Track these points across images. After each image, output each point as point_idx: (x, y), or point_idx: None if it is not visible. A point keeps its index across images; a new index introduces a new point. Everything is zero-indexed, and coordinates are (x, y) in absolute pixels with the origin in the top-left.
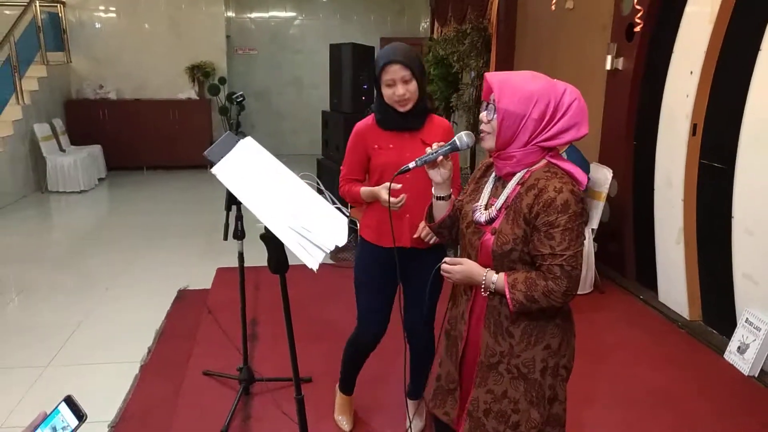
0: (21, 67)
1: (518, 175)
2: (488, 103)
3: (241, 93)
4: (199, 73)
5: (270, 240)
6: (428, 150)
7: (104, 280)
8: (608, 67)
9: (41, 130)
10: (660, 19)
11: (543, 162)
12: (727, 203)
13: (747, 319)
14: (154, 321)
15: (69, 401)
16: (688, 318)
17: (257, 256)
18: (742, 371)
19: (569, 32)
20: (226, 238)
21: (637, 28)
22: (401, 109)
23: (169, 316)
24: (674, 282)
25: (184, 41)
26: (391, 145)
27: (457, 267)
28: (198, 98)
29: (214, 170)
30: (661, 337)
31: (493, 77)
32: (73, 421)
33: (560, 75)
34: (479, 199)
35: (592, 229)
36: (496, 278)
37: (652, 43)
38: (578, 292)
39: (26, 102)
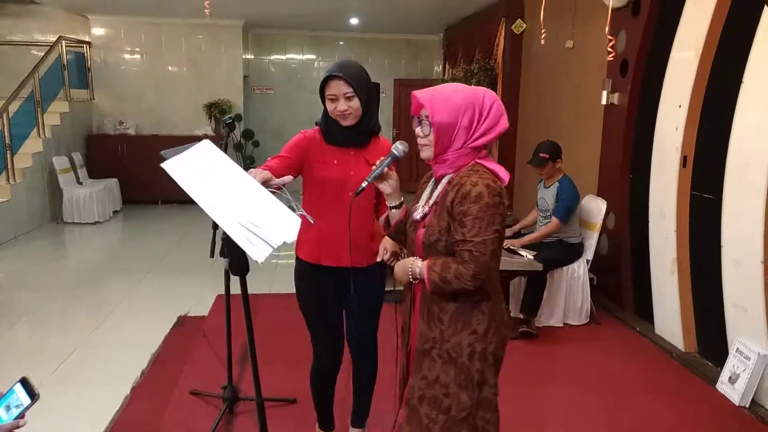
0: (44, 103)
1: (448, 176)
2: (420, 119)
3: (230, 116)
4: (216, 110)
5: (233, 243)
6: (373, 167)
7: (108, 307)
8: (604, 102)
9: (60, 162)
10: (651, 54)
11: (471, 163)
12: (717, 233)
13: (737, 348)
14: (152, 345)
15: (24, 382)
16: (683, 349)
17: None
18: (733, 401)
19: (570, 70)
20: (212, 255)
21: (610, 57)
22: (344, 124)
23: (166, 340)
24: (669, 313)
25: (203, 80)
26: (335, 161)
27: (397, 266)
28: (214, 135)
29: (165, 165)
30: (655, 369)
31: (422, 95)
32: (26, 400)
33: (562, 111)
34: (420, 201)
35: (587, 260)
36: (421, 264)
37: (645, 77)
38: (574, 323)
39: (47, 136)
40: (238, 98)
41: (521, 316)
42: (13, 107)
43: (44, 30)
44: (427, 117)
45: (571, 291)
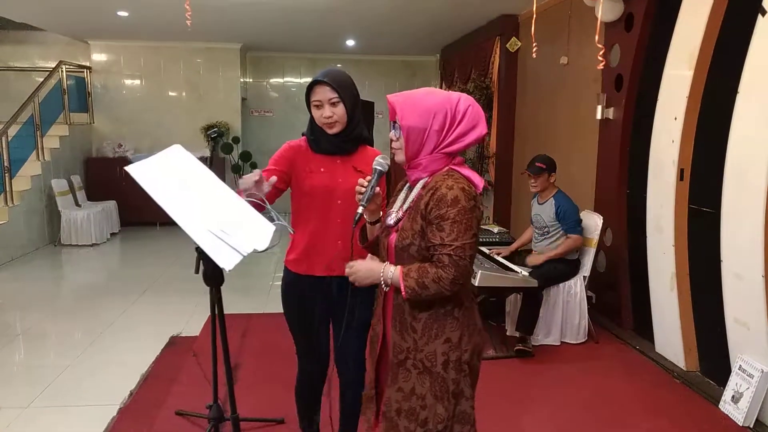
0: (44, 126)
1: (422, 181)
2: (395, 123)
3: (215, 129)
4: (214, 132)
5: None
6: (361, 189)
7: (100, 327)
8: (599, 116)
9: (59, 185)
10: (645, 67)
11: (446, 168)
12: (717, 247)
13: (740, 366)
14: (143, 365)
15: None
16: (684, 368)
17: (250, 305)
18: (737, 421)
19: (565, 86)
20: (197, 271)
21: (601, 65)
22: (330, 131)
23: (157, 360)
24: (670, 331)
25: (201, 103)
26: (322, 169)
27: (358, 263)
28: (212, 157)
29: (129, 168)
30: (656, 388)
31: (394, 98)
32: None
33: (558, 127)
34: (394, 206)
35: (584, 277)
36: (394, 269)
37: (640, 91)
38: (571, 341)
39: (46, 159)
40: (236, 120)
41: (517, 334)
42: (13, 131)
43: (46, 56)
44: (398, 120)
45: (568, 309)
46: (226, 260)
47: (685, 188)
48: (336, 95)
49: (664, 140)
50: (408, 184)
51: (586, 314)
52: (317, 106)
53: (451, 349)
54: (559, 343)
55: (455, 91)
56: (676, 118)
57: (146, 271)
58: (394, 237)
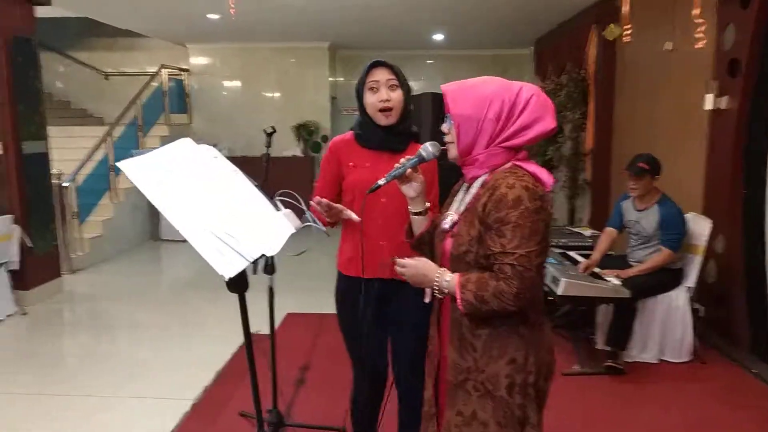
0: (146, 127)
1: (481, 179)
2: (447, 115)
3: (271, 126)
4: (304, 131)
5: None
6: (396, 165)
7: (187, 320)
8: (709, 106)
9: None
10: (765, 48)
11: (508, 165)
12: None
13: None
14: (220, 361)
15: None
16: None
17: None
18: None
19: (670, 75)
20: (255, 272)
21: (699, 44)
22: (383, 122)
23: (233, 357)
24: None
25: (291, 103)
26: (367, 164)
27: (412, 262)
28: (302, 155)
29: (121, 164)
30: None
31: (446, 87)
32: None
33: (659, 120)
34: (450, 209)
35: (689, 288)
36: (450, 278)
37: (760, 77)
38: (672, 360)
39: None
40: (325, 119)
41: (607, 348)
42: (118, 132)
43: (152, 61)
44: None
45: (669, 322)
46: (226, 266)
47: None
48: (395, 78)
49: None
50: (465, 184)
51: (691, 330)
52: (373, 89)
53: (516, 370)
54: (657, 361)
55: (548, 85)
56: None
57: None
58: (449, 243)
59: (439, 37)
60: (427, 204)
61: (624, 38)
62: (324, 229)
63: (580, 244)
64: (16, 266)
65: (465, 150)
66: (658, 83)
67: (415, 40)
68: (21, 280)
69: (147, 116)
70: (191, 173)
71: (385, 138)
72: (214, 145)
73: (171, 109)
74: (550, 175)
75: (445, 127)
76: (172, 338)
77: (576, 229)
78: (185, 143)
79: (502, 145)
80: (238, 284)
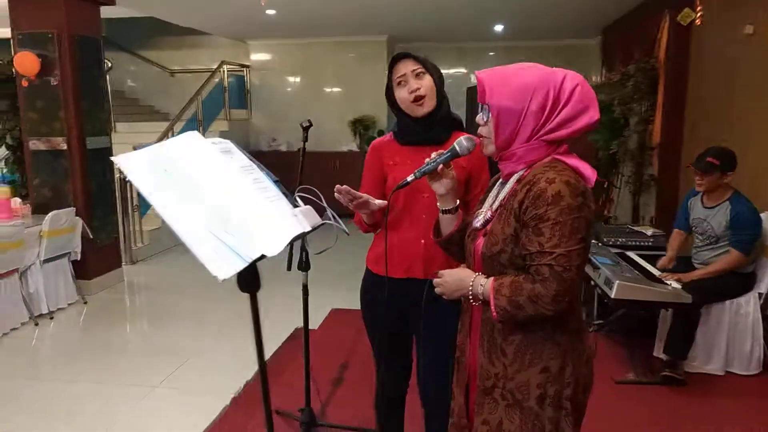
0: (205, 122)
1: (518, 174)
2: (483, 105)
3: (308, 119)
4: (361, 126)
5: None
6: (427, 160)
7: (238, 314)
8: None
9: None
10: None
11: (548, 159)
12: None
13: None
14: (265, 357)
15: None
16: None
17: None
18: None
19: (749, 62)
20: (289, 268)
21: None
22: (418, 112)
23: (276, 353)
24: None
25: (348, 97)
26: (409, 161)
27: (448, 273)
28: (358, 150)
29: (115, 159)
30: None
31: (482, 74)
32: None
33: (735, 112)
34: (483, 206)
35: (760, 294)
36: (485, 282)
37: None
38: (740, 372)
39: None
40: (382, 114)
41: (665, 357)
42: (178, 127)
43: (215, 57)
44: (487, 100)
45: (737, 331)
46: (221, 267)
47: None
48: (420, 66)
49: None
50: (501, 180)
51: (761, 340)
52: (401, 84)
53: (549, 380)
54: (722, 373)
55: (614, 76)
56: None
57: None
58: (481, 242)
59: (499, 27)
60: (458, 202)
61: (696, 21)
62: (345, 227)
63: (640, 243)
64: (77, 257)
65: (504, 144)
66: (737, 71)
67: (475, 32)
68: (83, 270)
69: (207, 112)
70: (193, 167)
71: (423, 130)
72: (273, 140)
73: (231, 104)
74: (593, 169)
75: (480, 119)
76: (224, 331)
77: (637, 228)
78: (191, 136)
79: (544, 138)
80: (250, 283)
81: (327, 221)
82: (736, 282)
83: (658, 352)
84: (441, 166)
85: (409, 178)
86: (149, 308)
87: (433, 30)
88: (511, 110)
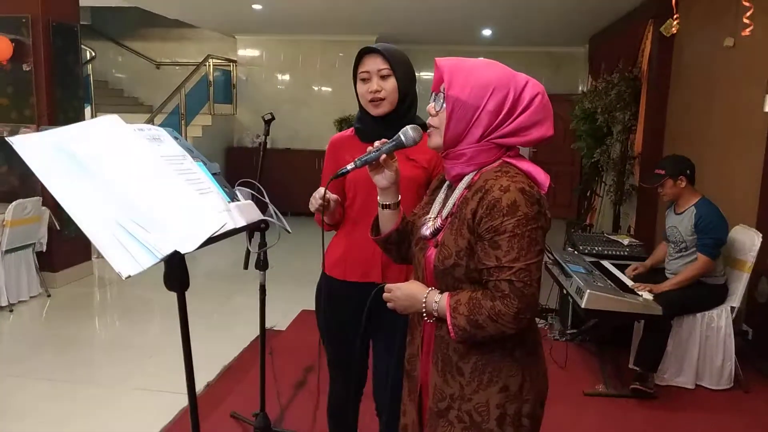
0: (188, 116)
1: (467, 178)
2: (437, 93)
3: (270, 112)
4: (346, 126)
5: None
6: (369, 149)
7: (211, 311)
8: (767, 108)
9: None
10: None
11: (497, 162)
12: None
13: None
14: (228, 357)
15: None
16: None
17: None
18: None
19: (727, 74)
20: (246, 267)
21: (747, 31)
22: (373, 112)
23: (242, 353)
24: None
25: (335, 96)
26: None
27: (398, 289)
28: None
29: (12, 139)
30: None
31: (443, 62)
32: None
33: (714, 123)
34: (430, 211)
35: (732, 308)
36: (440, 299)
37: None
38: (710, 386)
39: None
40: None
41: (636, 368)
42: (159, 119)
43: (203, 51)
44: (443, 90)
45: (708, 345)
46: (127, 263)
47: None
48: (387, 66)
49: None
50: (448, 183)
51: (733, 354)
52: (364, 80)
53: (509, 399)
54: (692, 387)
55: (599, 84)
56: None
57: (270, 258)
58: (432, 254)
59: (487, 32)
60: (399, 197)
61: (673, 29)
62: (287, 226)
63: (615, 252)
64: (43, 248)
65: (452, 140)
66: (716, 83)
67: (463, 35)
68: (49, 262)
69: (191, 105)
70: (106, 153)
71: (384, 129)
72: (257, 137)
73: (216, 99)
74: (546, 174)
75: (432, 108)
76: (193, 329)
77: (614, 237)
78: (110, 120)
79: (494, 140)
80: (178, 281)
81: (269, 219)
82: (707, 293)
83: (630, 364)
84: (384, 156)
85: (349, 167)
86: (117, 303)
87: (421, 31)
88: (466, 104)
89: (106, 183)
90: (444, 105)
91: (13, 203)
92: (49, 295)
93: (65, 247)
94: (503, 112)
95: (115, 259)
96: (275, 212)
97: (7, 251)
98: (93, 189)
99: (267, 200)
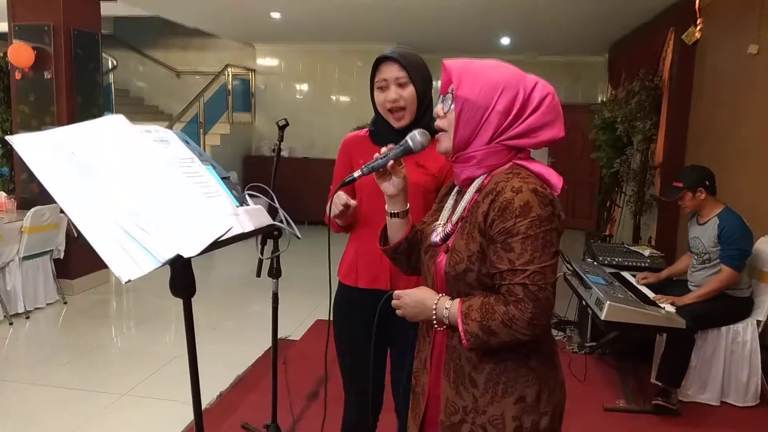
0: (207, 125)
1: (477, 181)
2: (444, 95)
3: (284, 118)
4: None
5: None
6: (376, 155)
7: (227, 319)
8: None
9: None
10: None
11: (508, 164)
12: None
13: None
14: (242, 366)
15: None
16: None
17: None
18: None
19: (754, 82)
20: (258, 275)
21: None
22: (396, 124)
23: (255, 363)
24: None
25: (353, 104)
26: None
27: (406, 295)
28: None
29: (12, 138)
30: None
31: (451, 63)
32: None
33: (739, 132)
34: (439, 218)
35: (758, 321)
36: (450, 305)
37: None
38: (736, 403)
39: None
40: None
41: (659, 384)
42: (177, 128)
43: (222, 60)
44: (452, 91)
45: (733, 360)
46: (128, 267)
47: None
48: (405, 74)
49: None
50: (457, 187)
51: (759, 370)
52: (381, 88)
53: (525, 411)
54: (718, 403)
55: (619, 93)
56: None
57: (283, 268)
58: (443, 260)
59: (506, 41)
60: (408, 205)
61: (696, 35)
62: (297, 231)
63: (636, 264)
64: (60, 255)
65: (462, 143)
66: (740, 90)
67: (481, 44)
68: (66, 269)
69: (210, 114)
70: (109, 154)
71: (400, 136)
72: (275, 145)
73: (235, 107)
74: (558, 176)
75: (440, 110)
76: (209, 337)
77: (634, 248)
78: (115, 120)
79: (505, 142)
80: (184, 287)
81: (278, 224)
82: (731, 306)
83: (652, 378)
84: (392, 162)
85: (356, 174)
86: (133, 311)
87: (438, 40)
88: (475, 105)
89: (107, 184)
90: (452, 106)
91: (32, 210)
92: (65, 303)
93: (83, 255)
94: (513, 113)
95: (114, 262)
96: (285, 217)
97: (25, 258)
98: (93, 190)
99: (277, 204)
